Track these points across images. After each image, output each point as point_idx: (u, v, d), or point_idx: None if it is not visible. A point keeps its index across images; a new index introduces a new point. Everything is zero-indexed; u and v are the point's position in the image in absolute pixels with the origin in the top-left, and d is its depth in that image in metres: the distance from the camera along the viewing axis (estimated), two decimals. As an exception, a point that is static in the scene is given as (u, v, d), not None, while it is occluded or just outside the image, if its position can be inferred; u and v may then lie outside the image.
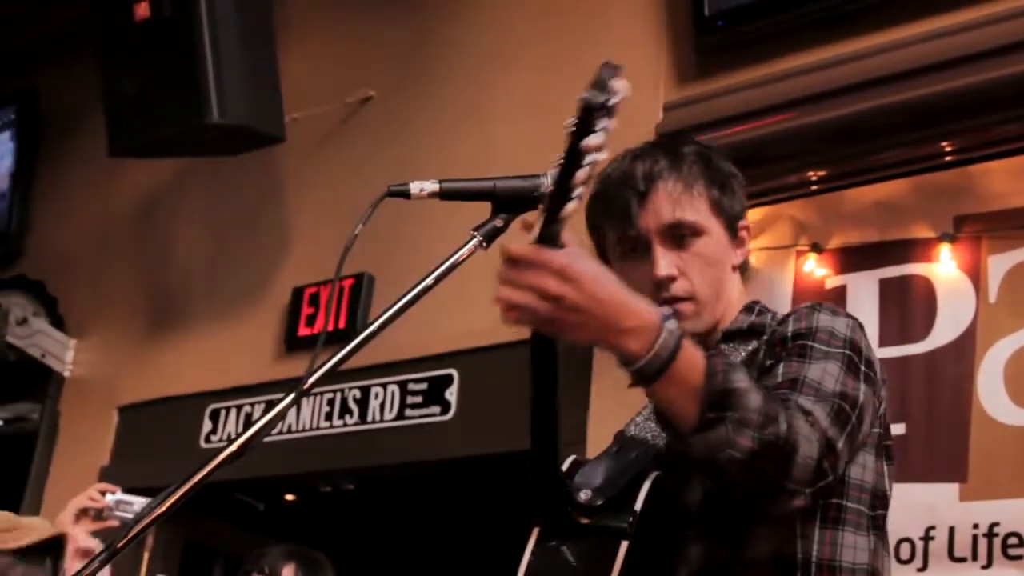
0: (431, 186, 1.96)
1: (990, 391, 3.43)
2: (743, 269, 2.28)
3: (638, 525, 1.90)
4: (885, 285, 3.68)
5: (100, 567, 1.68)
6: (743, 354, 2.10)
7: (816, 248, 3.80)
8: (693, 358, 1.75)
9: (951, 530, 3.34)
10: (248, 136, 4.99)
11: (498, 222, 1.94)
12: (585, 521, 1.94)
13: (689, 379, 1.74)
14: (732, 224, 2.22)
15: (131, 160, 5.52)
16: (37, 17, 6.51)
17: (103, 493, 3.74)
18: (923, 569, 3.35)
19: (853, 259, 3.76)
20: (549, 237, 1.68)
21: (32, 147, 6.59)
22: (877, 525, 2.05)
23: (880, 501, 2.08)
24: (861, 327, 2.06)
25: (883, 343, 3.58)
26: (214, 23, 4.74)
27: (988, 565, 3.26)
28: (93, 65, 5.28)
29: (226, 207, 5.69)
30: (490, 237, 1.93)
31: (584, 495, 1.95)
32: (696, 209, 2.17)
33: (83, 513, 3.71)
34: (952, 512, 3.35)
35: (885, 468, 2.12)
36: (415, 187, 1.95)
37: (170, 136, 4.94)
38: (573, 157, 1.62)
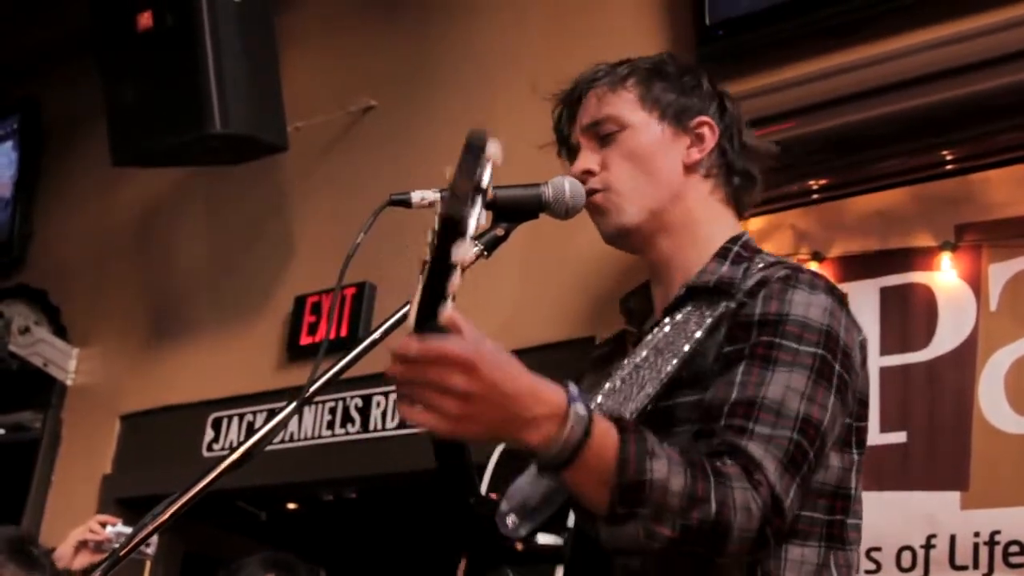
0: (432, 195, 1.97)
1: (991, 399, 3.43)
2: (726, 174, 2.12)
3: (573, 545, 1.78)
4: (886, 294, 3.68)
5: (104, 575, 1.69)
6: (707, 323, 1.91)
7: (817, 257, 3.80)
8: (604, 443, 1.59)
9: (952, 538, 3.34)
10: (250, 145, 4.99)
11: (498, 231, 1.95)
12: (517, 547, 1.81)
13: (599, 467, 1.59)
14: (676, 116, 2.10)
15: (133, 170, 5.52)
16: (39, 27, 6.53)
17: (103, 525, 3.73)
18: (924, 577, 3.36)
19: (854, 268, 3.76)
20: (436, 325, 1.47)
21: (35, 156, 6.59)
22: (832, 534, 1.88)
23: (841, 503, 1.90)
24: (841, 301, 1.91)
25: (884, 352, 3.58)
26: (216, 33, 4.74)
27: (989, 573, 3.26)
28: (95, 75, 5.29)
29: (228, 216, 5.70)
30: (491, 246, 1.94)
31: (511, 521, 1.82)
32: (621, 103, 2.11)
33: (83, 545, 3.71)
34: (953, 520, 3.35)
35: (854, 459, 1.93)
36: (416, 196, 1.96)
37: (172, 146, 4.95)
38: (441, 272, 1.44)
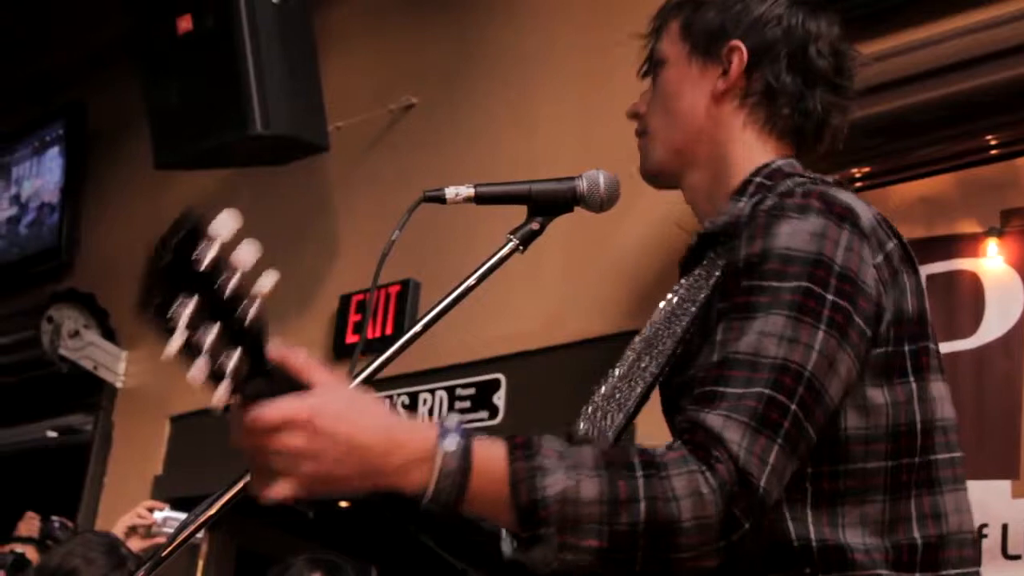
0: (467, 190, 1.96)
1: (1041, 386, 3.40)
2: (766, 101, 1.87)
3: None
4: (932, 281, 3.64)
5: (147, 574, 1.69)
6: (714, 279, 1.71)
7: (861, 245, 3.77)
8: (491, 469, 1.46)
9: (1004, 527, 3.31)
10: (292, 146, 5.02)
11: (534, 225, 1.94)
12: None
13: (495, 494, 1.46)
14: (707, 44, 1.90)
15: (178, 172, 5.56)
16: (83, 33, 6.58)
17: (151, 510, 3.77)
18: (976, 567, 3.33)
19: (899, 256, 3.73)
20: (264, 388, 1.42)
21: (80, 161, 6.66)
22: (901, 482, 1.62)
23: (907, 441, 1.63)
24: (842, 217, 1.64)
25: (931, 339, 3.56)
26: (256, 34, 4.77)
27: (1042, 562, 3.24)
28: (138, 79, 5.32)
29: (272, 217, 5.72)
30: (526, 240, 1.93)
31: (509, 547, 1.65)
32: (668, 36, 1.95)
33: (132, 531, 3.75)
34: (1005, 509, 3.32)
35: (913, 388, 1.65)
36: (450, 192, 1.96)
37: (215, 148, 4.98)
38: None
